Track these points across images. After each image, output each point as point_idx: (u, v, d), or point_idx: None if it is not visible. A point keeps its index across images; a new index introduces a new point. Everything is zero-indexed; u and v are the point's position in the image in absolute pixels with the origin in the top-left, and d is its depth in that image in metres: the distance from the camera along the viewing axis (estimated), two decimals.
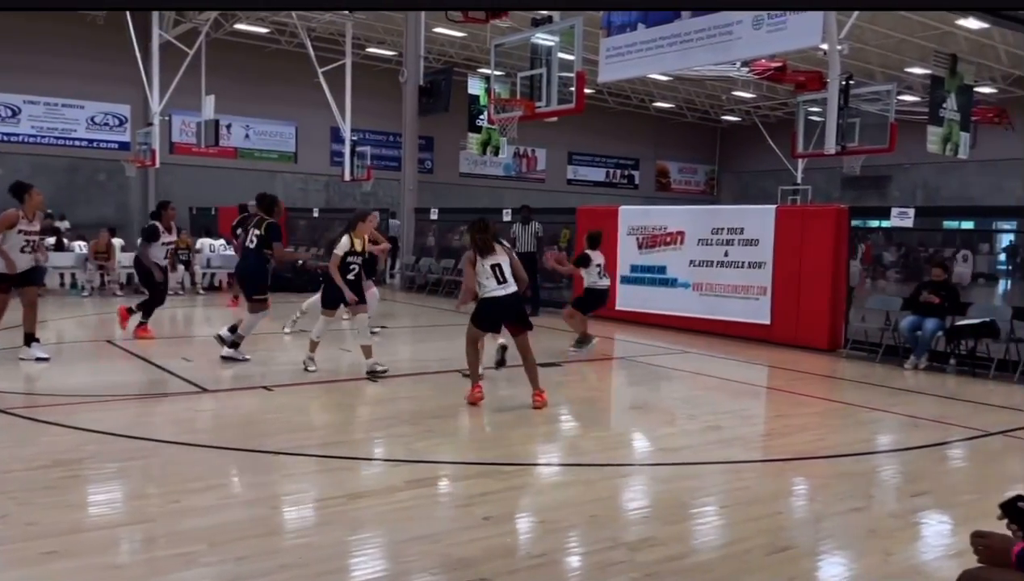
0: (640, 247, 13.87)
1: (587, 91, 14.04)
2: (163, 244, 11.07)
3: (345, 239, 8.73)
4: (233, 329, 9.53)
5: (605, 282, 11.00)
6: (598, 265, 10.88)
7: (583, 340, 10.88)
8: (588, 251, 10.84)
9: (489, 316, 7.50)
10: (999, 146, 27.61)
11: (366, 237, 9.22)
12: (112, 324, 13.36)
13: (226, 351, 9.39)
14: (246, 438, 6.20)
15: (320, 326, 9.15)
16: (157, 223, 11.12)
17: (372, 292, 11.64)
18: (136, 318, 11.04)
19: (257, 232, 9.48)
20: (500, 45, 13.76)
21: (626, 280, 14.07)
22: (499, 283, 7.29)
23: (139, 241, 11.49)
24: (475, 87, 19.32)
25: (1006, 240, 17.70)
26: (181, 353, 9.88)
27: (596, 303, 11.08)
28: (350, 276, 8.82)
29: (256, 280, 9.59)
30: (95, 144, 27.68)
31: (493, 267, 7.30)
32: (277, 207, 9.76)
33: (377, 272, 12.48)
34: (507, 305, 7.37)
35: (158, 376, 8.67)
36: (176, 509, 4.63)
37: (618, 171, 41.13)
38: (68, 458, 5.53)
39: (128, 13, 22.34)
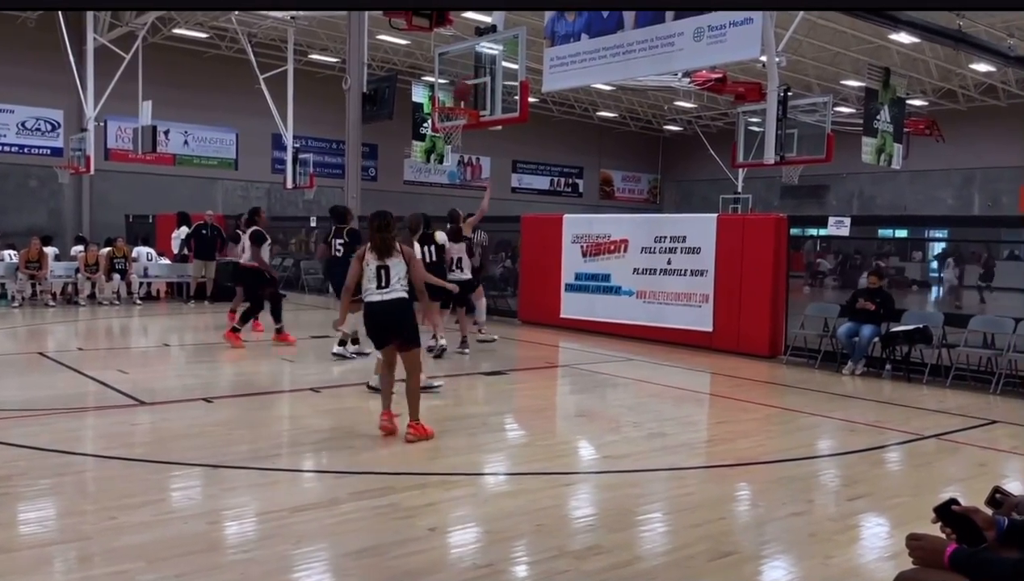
0: (584, 255, 13.95)
1: (531, 100, 14.12)
2: (268, 245, 11.81)
3: (418, 246, 8.55)
4: (343, 342, 10.27)
5: (458, 274, 10.86)
6: (453, 258, 11.05)
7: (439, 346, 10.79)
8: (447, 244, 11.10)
9: (368, 325, 6.72)
10: (930, 157, 28.47)
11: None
12: (45, 336, 12.99)
13: (351, 348, 10.26)
14: (185, 451, 6.06)
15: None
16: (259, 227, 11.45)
17: (482, 302, 12.01)
18: (268, 327, 11.68)
19: (340, 240, 10.43)
20: (444, 53, 13.74)
21: (570, 288, 14.15)
22: (379, 287, 6.46)
23: (248, 249, 11.40)
24: (419, 95, 19.24)
25: (938, 248, 18.33)
26: (117, 365, 9.64)
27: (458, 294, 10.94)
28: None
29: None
30: (26, 150, 26.90)
31: (379, 269, 6.47)
32: (350, 215, 10.85)
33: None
34: (384, 313, 6.49)
35: (93, 389, 8.44)
36: (112, 526, 4.50)
37: (562, 179, 41.39)
38: None
39: (60, 15, 21.79)
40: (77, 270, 16.91)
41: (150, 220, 23.79)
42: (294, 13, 21.30)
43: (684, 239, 12.56)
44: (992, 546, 2.56)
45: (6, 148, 26.55)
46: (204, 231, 17.27)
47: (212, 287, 17.18)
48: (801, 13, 17.64)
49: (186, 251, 17.97)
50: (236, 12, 22.10)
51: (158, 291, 18.45)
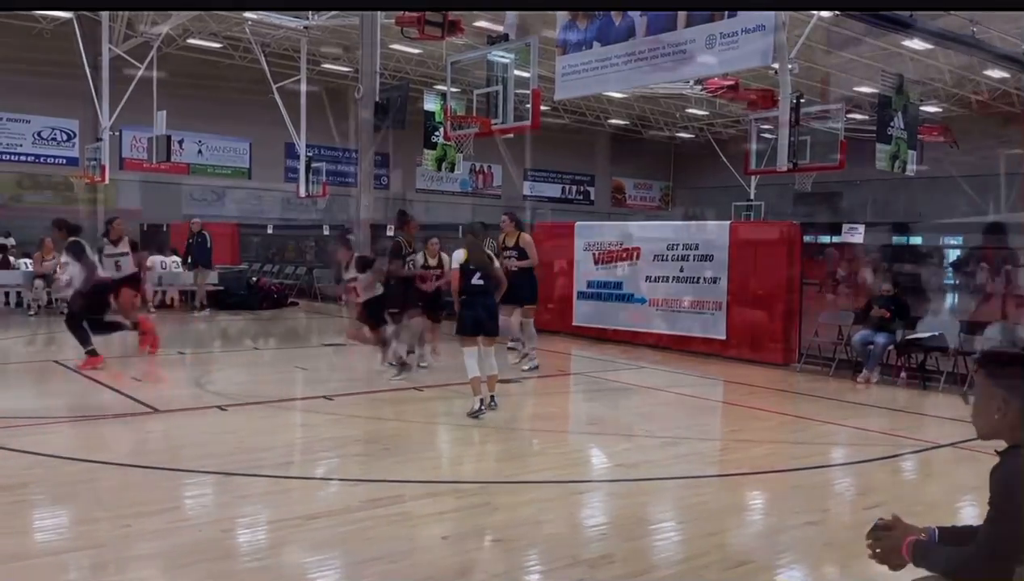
0: (596, 263, 13.93)
1: (543, 108, 14.12)
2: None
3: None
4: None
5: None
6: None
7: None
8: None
9: None
10: (944, 163, 28.30)
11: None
12: (60, 344, 13.05)
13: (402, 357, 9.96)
14: (199, 459, 6.07)
15: (472, 361, 7.76)
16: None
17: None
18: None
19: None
20: (456, 62, 13.78)
21: (583, 296, 14.12)
22: None
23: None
24: (431, 103, 19.29)
25: (953, 255, 18.20)
26: (131, 372, 9.68)
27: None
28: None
29: (405, 297, 10.16)
30: (42, 159, 27.09)
31: None
32: (407, 225, 10.25)
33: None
34: None
35: (107, 397, 8.47)
36: (127, 533, 4.51)
37: (574, 187, 41.39)
38: (13, 483, 5.37)
39: (76, 26, 21.97)
40: None
41: (164, 228, 23.92)
42: (307, 23, 21.42)
43: (697, 246, 12.53)
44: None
45: (22, 158, 26.75)
46: (190, 241, 17.60)
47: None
48: (815, 19, 17.60)
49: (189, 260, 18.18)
50: (249, 21, 22.26)
51: (171, 299, 18.52)
